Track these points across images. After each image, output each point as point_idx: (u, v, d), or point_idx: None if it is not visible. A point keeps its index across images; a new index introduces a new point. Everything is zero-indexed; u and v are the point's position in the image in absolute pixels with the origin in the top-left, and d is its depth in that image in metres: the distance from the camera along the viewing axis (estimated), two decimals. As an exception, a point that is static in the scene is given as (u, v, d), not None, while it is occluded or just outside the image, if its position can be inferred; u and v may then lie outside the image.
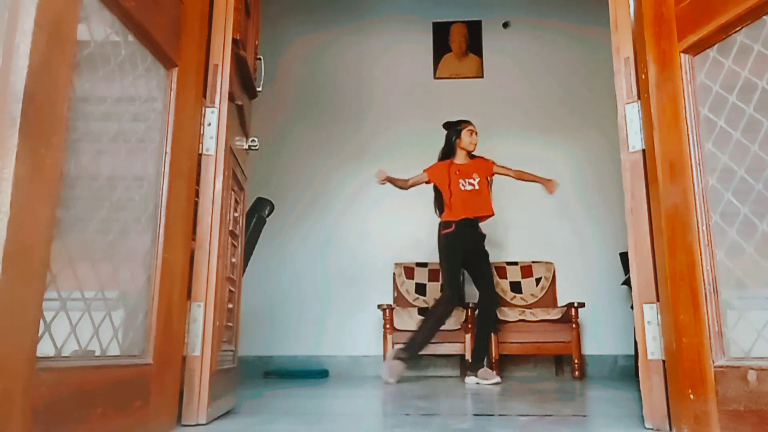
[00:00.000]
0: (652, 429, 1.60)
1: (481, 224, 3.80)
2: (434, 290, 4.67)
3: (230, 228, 1.96)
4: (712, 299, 1.41)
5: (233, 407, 2.04)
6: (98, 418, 1.15)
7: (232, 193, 1.98)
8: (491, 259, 3.82)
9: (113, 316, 1.27)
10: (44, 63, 0.94)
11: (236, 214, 2.07)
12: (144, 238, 1.44)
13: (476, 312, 3.90)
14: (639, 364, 1.67)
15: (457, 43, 5.20)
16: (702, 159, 1.48)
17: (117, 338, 1.30)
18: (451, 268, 3.69)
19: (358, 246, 4.84)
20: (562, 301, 4.60)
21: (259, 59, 2.40)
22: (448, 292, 3.68)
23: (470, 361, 3.84)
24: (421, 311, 4.28)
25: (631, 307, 2.09)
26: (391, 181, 3.79)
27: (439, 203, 3.85)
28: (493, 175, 3.85)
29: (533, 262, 4.76)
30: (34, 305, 0.92)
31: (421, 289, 4.70)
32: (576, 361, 4.18)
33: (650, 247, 1.66)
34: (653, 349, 1.62)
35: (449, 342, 4.20)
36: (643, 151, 1.70)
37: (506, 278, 4.70)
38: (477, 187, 3.72)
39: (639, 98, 1.73)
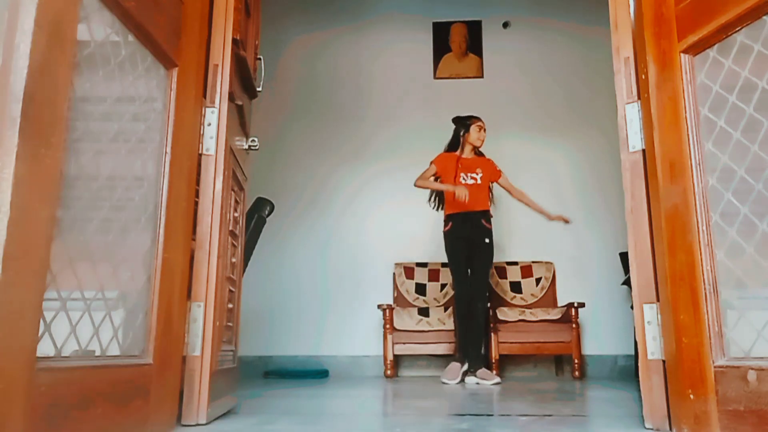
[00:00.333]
0: (652, 429, 1.60)
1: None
2: (434, 290, 4.67)
3: (230, 228, 1.96)
4: (712, 299, 1.41)
5: (233, 407, 2.04)
6: (98, 417, 1.15)
7: (232, 193, 1.98)
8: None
9: (113, 316, 1.27)
10: (44, 63, 0.94)
11: (236, 214, 2.07)
12: (144, 238, 1.44)
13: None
14: (639, 364, 1.67)
15: (457, 43, 5.20)
16: (702, 159, 1.48)
17: (117, 338, 1.30)
18: (454, 264, 3.72)
19: (357, 246, 4.84)
20: (562, 301, 4.60)
21: (259, 59, 2.40)
22: (456, 289, 3.73)
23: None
24: (421, 311, 4.28)
25: (631, 307, 2.09)
26: (433, 187, 3.83)
27: (439, 195, 3.87)
28: (495, 181, 3.89)
29: (533, 262, 4.76)
30: (34, 305, 0.92)
31: (421, 289, 4.69)
32: (576, 361, 4.18)
33: (650, 247, 1.66)
34: (653, 349, 1.62)
35: (449, 342, 4.20)
36: (643, 151, 1.70)
37: (506, 278, 4.70)
38: (479, 182, 3.75)
39: (639, 98, 1.73)
